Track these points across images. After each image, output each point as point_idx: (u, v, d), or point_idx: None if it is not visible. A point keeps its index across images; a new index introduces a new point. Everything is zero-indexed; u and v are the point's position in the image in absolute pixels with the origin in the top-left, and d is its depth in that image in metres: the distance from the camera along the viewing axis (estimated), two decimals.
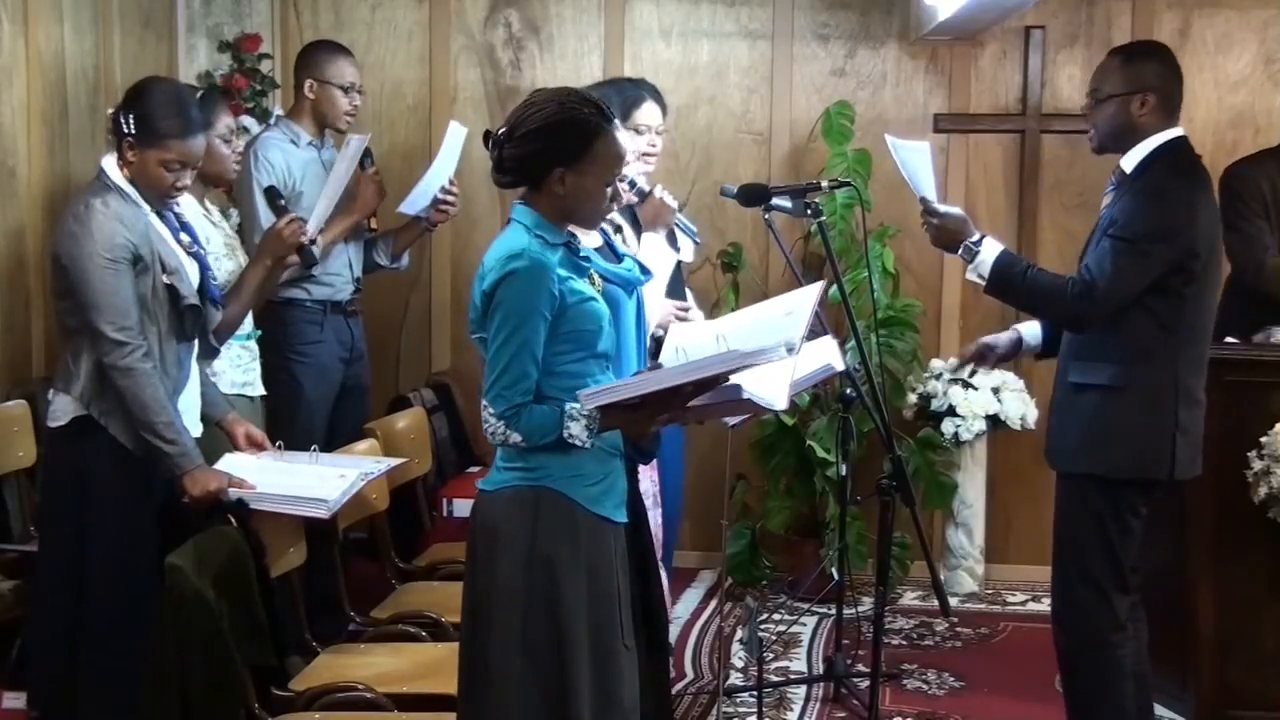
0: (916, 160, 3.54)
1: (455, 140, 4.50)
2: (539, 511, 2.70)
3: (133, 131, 3.29)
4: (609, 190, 2.76)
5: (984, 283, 3.47)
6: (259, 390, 4.10)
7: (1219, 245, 3.46)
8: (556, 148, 2.70)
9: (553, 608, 2.69)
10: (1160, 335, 3.35)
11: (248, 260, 3.94)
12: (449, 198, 4.57)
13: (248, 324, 4.03)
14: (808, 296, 3.04)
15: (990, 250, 3.45)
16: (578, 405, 2.65)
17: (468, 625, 2.78)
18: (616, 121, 2.79)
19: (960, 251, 3.49)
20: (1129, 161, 3.43)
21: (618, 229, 3.67)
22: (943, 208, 3.54)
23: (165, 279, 3.30)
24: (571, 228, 2.80)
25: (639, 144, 3.92)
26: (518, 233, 2.71)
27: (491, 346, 2.66)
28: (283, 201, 4.05)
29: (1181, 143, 3.44)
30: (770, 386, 2.87)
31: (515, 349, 2.63)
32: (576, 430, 2.65)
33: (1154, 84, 3.41)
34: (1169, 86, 3.45)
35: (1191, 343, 3.40)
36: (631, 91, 4.03)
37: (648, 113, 4.02)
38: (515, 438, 2.67)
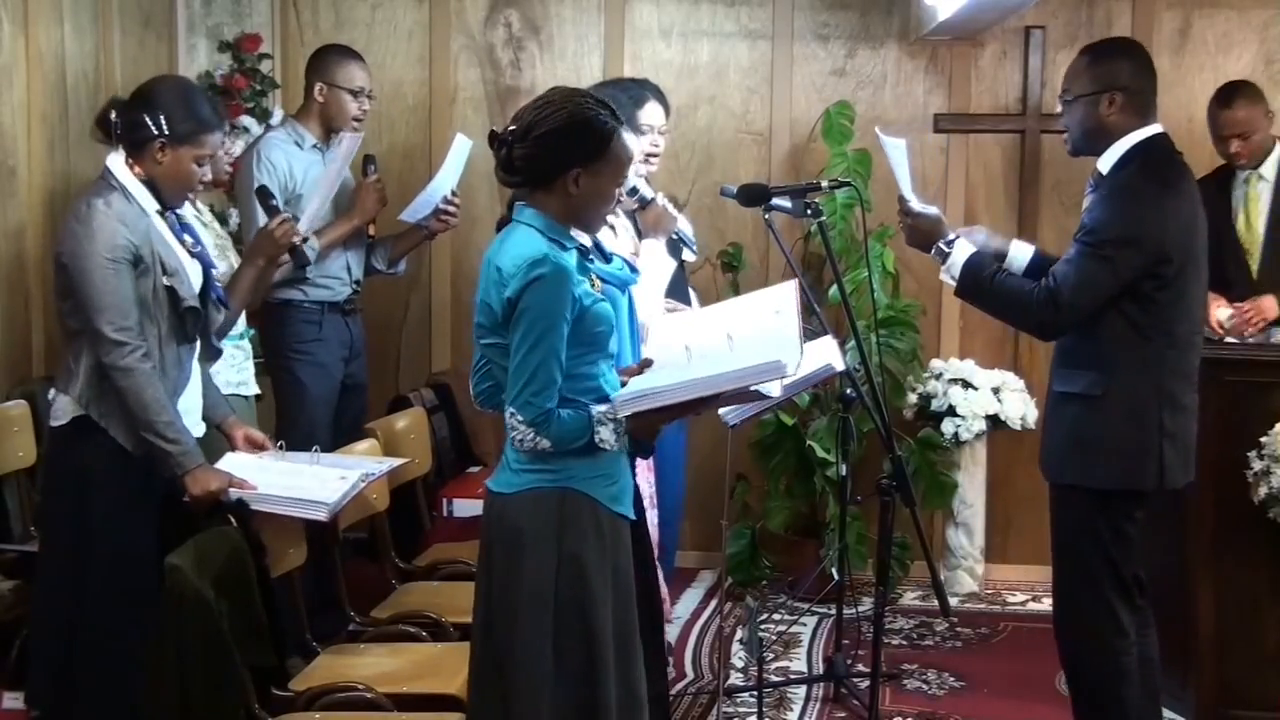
0: (895, 156, 3.52)
1: (460, 152, 4.52)
2: (564, 512, 2.71)
3: (165, 131, 3.28)
4: (617, 192, 2.77)
5: (955, 284, 3.43)
6: (253, 390, 4.12)
7: (1200, 247, 3.36)
8: (576, 148, 2.70)
9: (583, 607, 2.70)
10: (1138, 342, 3.27)
11: (240, 261, 3.94)
12: (450, 208, 4.58)
13: (240, 324, 4.03)
14: (786, 293, 3.02)
15: (961, 252, 3.41)
16: (604, 409, 2.67)
17: (484, 627, 2.77)
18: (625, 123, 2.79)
19: (933, 252, 3.46)
20: (1105, 162, 3.37)
21: (610, 227, 3.67)
22: (918, 206, 3.51)
23: (165, 281, 3.29)
24: (573, 230, 2.79)
25: (642, 144, 3.92)
26: (531, 236, 2.69)
27: (518, 353, 2.64)
28: (274, 201, 4.06)
29: (1158, 141, 3.36)
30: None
31: (543, 355, 2.63)
32: (606, 434, 2.67)
33: (1122, 83, 3.33)
34: (1139, 84, 3.35)
35: (1172, 347, 3.31)
36: (635, 91, 4.03)
37: (651, 113, 4.03)
38: (545, 443, 2.66)
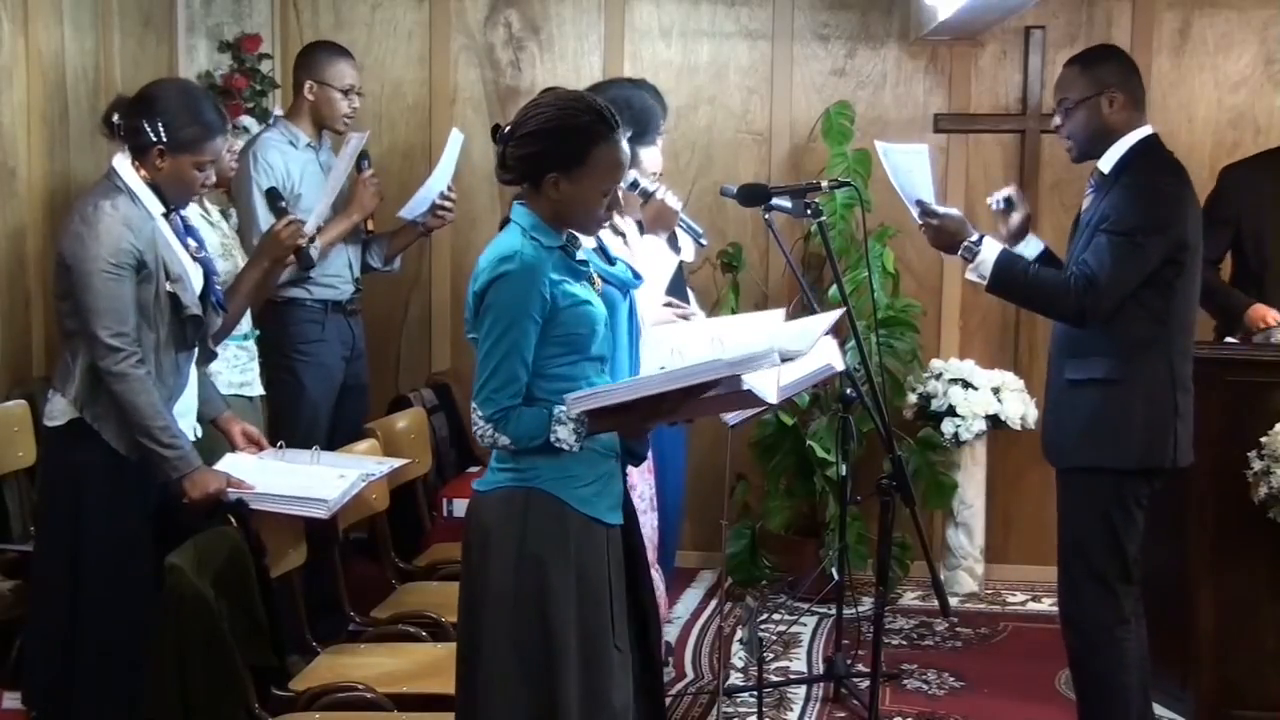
0: (913, 163, 3.56)
1: (454, 147, 4.52)
2: (529, 512, 2.70)
3: (164, 139, 3.26)
4: (605, 198, 2.74)
5: (985, 282, 3.50)
6: (257, 390, 4.11)
7: (1200, 239, 3.50)
8: (552, 152, 2.68)
9: (542, 607, 2.68)
10: (1154, 327, 3.39)
11: (244, 261, 3.94)
12: (446, 204, 4.58)
13: (245, 324, 4.03)
14: (824, 321, 3.02)
15: (990, 250, 3.48)
16: (564, 409, 2.65)
17: (463, 625, 2.79)
18: (620, 129, 2.74)
19: (960, 252, 3.52)
20: (1106, 162, 3.48)
21: (620, 234, 3.65)
22: (941, 209, 3.58)
23: (169, 287, 3.27)
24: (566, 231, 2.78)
25: None
26: (512, 234, 2.70)
27: (481, 348, 2.65)
28: (283, 204, 4.06)
29: (1155, 140, 3.50)
30: (761, 379, 2.86)
31: (505, 351, 2.63)
32: (564, 434, 2.64)
33: (1116, 81, 3.47)
34: (1131, 81, 3.50)
35: (1181, 332, 3.45)
36: (632, 93, 4.02)
37: None
38: (504, 440, 2.66)
